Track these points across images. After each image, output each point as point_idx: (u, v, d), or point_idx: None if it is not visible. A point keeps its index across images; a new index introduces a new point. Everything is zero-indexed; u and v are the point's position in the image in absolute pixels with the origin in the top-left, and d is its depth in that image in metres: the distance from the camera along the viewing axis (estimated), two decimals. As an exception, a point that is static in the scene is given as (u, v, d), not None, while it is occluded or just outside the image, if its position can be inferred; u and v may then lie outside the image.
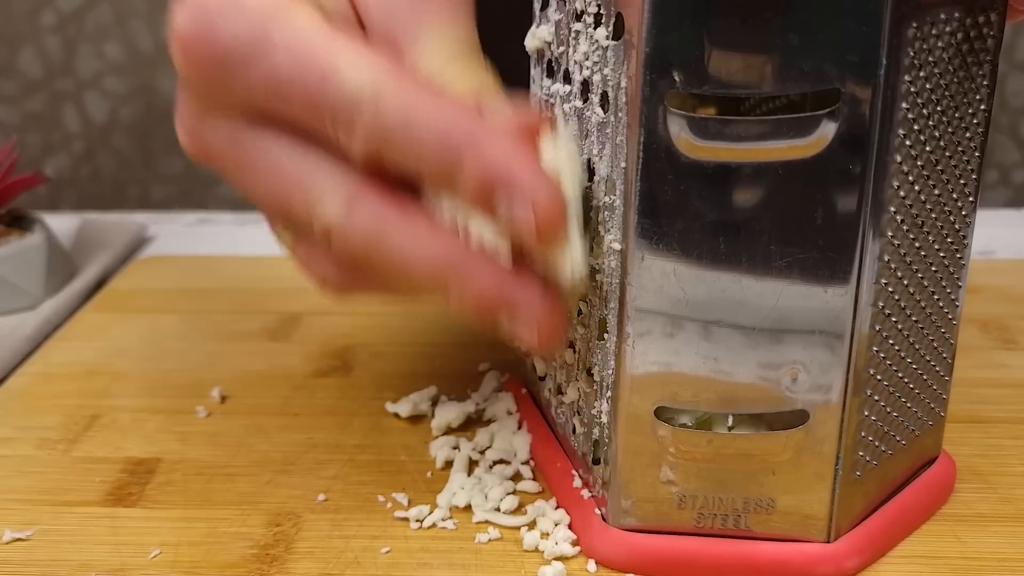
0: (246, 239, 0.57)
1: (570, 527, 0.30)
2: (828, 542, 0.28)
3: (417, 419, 0.37)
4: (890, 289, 0.27)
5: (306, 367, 0.42)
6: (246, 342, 0.44)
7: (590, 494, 0.31)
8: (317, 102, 0.25)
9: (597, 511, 0.30)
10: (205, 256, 0.54)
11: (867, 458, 0.28)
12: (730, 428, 0.27)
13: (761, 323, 0.26)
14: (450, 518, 0.32)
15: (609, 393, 0.28)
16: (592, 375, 0.29)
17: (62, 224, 0.55)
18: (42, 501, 0.33)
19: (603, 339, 0.28)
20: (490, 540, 0.31)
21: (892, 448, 0.29)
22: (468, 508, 0.32)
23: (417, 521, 0.31)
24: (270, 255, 0.53)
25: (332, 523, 0.31)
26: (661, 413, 0.27)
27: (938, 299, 0.29)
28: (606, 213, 0.27)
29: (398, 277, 0.27)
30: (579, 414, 0.31)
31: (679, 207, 0.25)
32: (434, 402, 0.38)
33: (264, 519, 0.32)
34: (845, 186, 0.24)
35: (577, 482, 0.31)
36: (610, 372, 0.28)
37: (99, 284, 0.51)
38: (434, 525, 0.31)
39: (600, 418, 0.29)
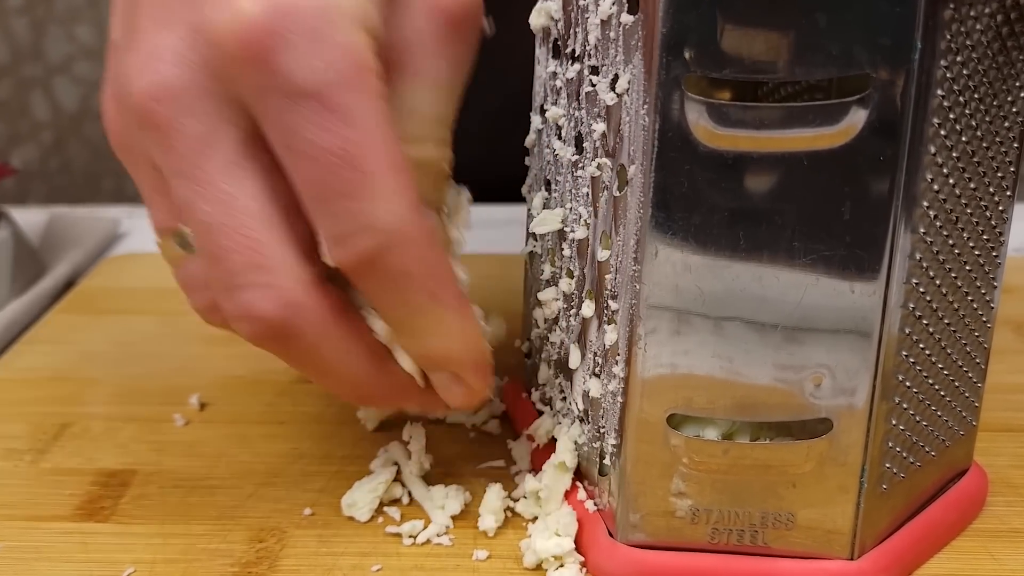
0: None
1: (575, 543, 0.30)
2: (851, 559, 0.28)
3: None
4: (921, 289, 0.26)
5: (291, 372, 0.41)
6: (227, 345, 0.44)
7: (596, 507, 0.30)
8: (333, 196, 0.25)
9: (604, 526, 0.30)
10: (183, 253, 0.54)
11: (894, 470, 0.28)
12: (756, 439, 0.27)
13: (783, 323, 0.26)
14: (446, 533, 0.31)
15: (620, 399, 0.28)
16: (600, 377, 0.29)
17: (29, 219, 0.55)
18: (8, 516, 0.33)
19: (602, 332, 0.28)
20: (489, 557, 0.30)
21: (920, 459, 0.29)
22: (463, 517, 0.32)
23: (410, 537, 0.31)
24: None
25: (319, 539, 0.31)
26: (674, 420, 0.27)
27: (972, 300, 0.28)
28: (615, 206, 0.26)
29: (310, 376, 0.29)
30: (585, 421, 0.31)
31: (696, 199, 0.25)
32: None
33: (246, 535, 0.31)
34: (875, 178, 0.24)
35: (582, 494, 0.31)
36: (620, 376, 0.28)
37: (69, 283, 0.51)
38: (428, 541, 0.31)
39: (608, 425, 0.29)
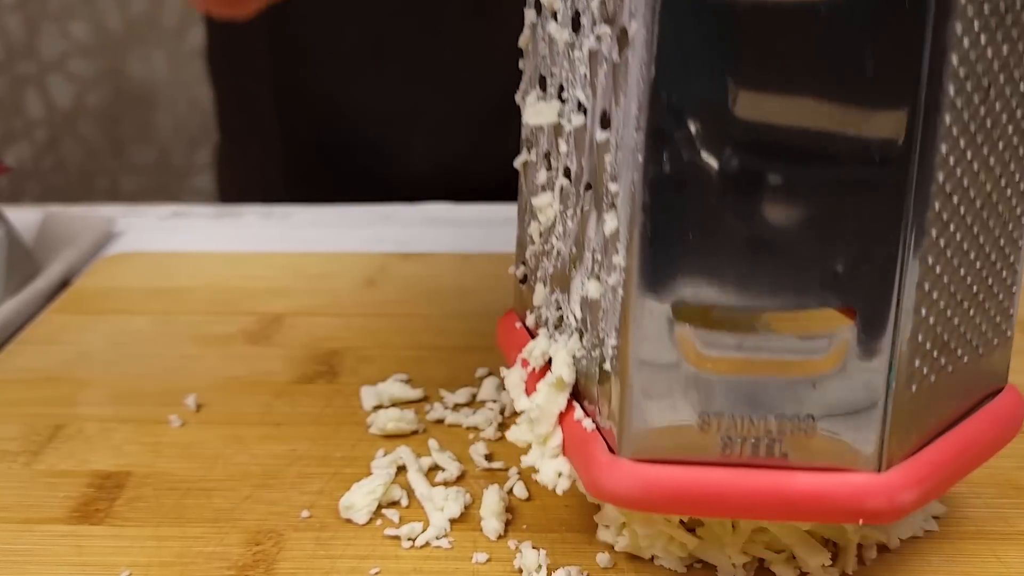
0: (223, 234, 0.57)
1: (570, 462, 0.28)
2: (879, 472, 0.26)
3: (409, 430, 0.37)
4: (952, 162, 0.25)
5: (289, 373, 0.41)
6: (223, 345, 0.44)
7: (594, 425, 0.28)
8: None
9: (603, 443, 0.27)
10: (178, 252, 0.54)
11: (924, 369, 0.26)
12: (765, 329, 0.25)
13: (804, 188, 0.24)
14: (445, 536, 0.31)
15: (621, 292, 0.26)
16: (599, 277, 0.27)
17: (23, 218, 0.55)
18: (1, 518, 0.33)
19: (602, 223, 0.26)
20: (489, 560, 0.30)
21: (952, 363, 0.27)
22: (463, 520, 0.32)
23: (409, 540, 0.31)
24: (249, 251, 0.53)
25: (317, 542, 0.31)
26: (681, 313, 0.25)
27: (1007, 187, 0.26)
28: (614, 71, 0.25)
29: None
30: (583, 332, 0.29)
31: (704, 54, 0.23)
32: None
33: (243, 537, 0.31)
34: (900, 28, 0.22)
35: (578, 413, 0.29)
36: (620, 266, 0.25)
37: (63, 283, 0.51)
38: (427, 544, 0.31)
39: (608, 326, 0.27)
